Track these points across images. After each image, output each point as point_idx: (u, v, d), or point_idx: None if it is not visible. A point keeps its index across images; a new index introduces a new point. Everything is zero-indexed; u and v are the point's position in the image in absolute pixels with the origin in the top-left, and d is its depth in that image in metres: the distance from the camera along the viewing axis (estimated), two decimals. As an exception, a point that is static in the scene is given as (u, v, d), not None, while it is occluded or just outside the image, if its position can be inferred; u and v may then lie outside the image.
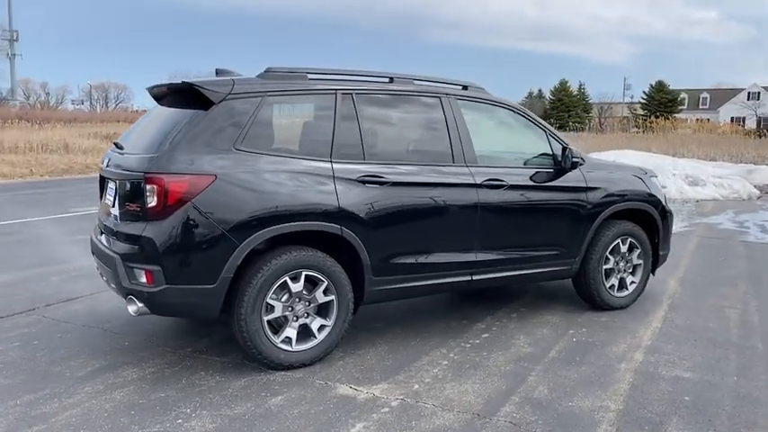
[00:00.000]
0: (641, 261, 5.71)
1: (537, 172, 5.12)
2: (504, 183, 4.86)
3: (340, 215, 4.19)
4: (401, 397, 3.81)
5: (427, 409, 3.65)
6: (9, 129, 26.30)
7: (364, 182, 4.31)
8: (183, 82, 4.16)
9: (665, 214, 5.81)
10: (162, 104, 4.47)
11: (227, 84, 4.12)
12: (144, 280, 3.88)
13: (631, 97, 74.83)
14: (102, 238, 4.35)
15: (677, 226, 10.33)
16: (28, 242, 8.43)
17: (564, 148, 5.12)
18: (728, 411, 3.69)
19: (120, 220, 4.10)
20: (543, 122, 5.34)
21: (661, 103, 62.62)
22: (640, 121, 46.70)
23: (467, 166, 4.75)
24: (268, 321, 4.08)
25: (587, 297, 5.54)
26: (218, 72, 4.61)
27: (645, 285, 5.79)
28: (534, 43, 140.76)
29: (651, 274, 5.92)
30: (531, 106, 64.82)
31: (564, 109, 62.09)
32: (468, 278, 4.81)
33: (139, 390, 3.87)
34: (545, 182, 5.12)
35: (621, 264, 5.62)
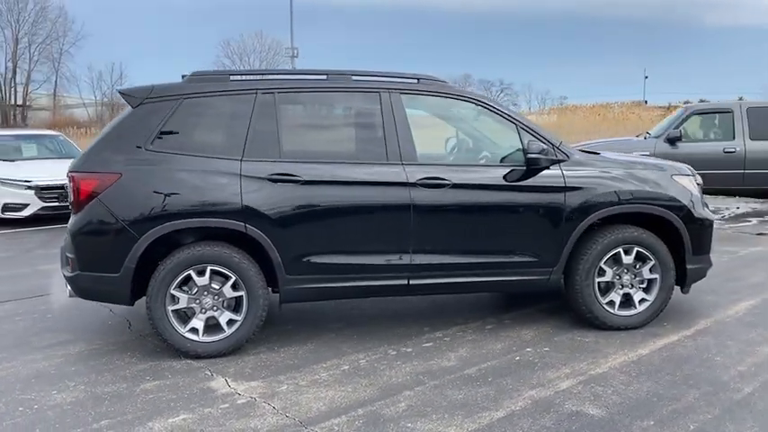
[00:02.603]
0: (656, 275, 4.80)
1: (499, 170, 4.63)
2: (446, 182, 4.49)
3: (244, 213, 4.28)
4: (256, 396, 3.80)
5: (261, 411, 3.60)
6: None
7: (276, 180, 4.34)
8: (117, 89, 4.60)
9: (694, 220, 4.81)
10: None
11: (148, 89, 4.46)
12: (69, 266, 4.40)
13: None
14: None
15: None
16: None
17: (529, 143, 4.54)
18: (580, 459, 3.04)
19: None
20: (516, 115, 4.79)
21: None
22: None
23: (401, 164, 4.48)
24: (177, 311, 4.33)
25: (580, 314, 4.84)
26: (183, 78, 4.98)
27: (664, 304, 4.86)
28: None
29: (681, 291, 4.97)
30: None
31: None
32: (405, 282, 4.54)
33: (63, 362, 4.39)
34: (508, 181, 4.60)
35: (626, 277, 4.80)
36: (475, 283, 4.68)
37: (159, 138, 4.33)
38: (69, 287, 4.47)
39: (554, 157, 4.63)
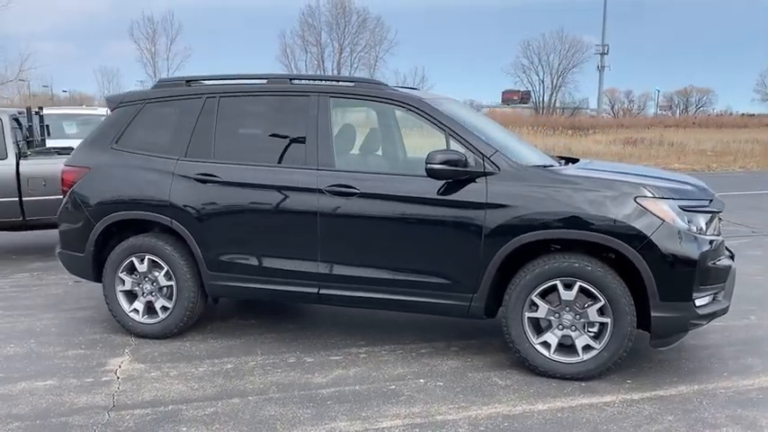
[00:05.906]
0: (607, 319, 3.90)
1: (419, 181, 4.20)
2: (355, 190, 4.25)
3: (170, 208, 4.62)
4: (123, 377, 4.12)
5: (104, 390, 3.92)
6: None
7: (203, 181, 4.59)
8: (105, 96, 5.29)
9: (659, 255, 3.78)
10: None
11: (123, 95, 5.06)
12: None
13: None
14: None
15: None
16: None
17: (431, 153, 4.05)
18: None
19: None
20: (447, 121, 4.24)
21: None
22: None
23: (316, 170, 4.37)
24: (125, 293, 4.85)
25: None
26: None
27: (618, 354, 3.92)
28: None
29: (650, 344, 3.96)
30: None
31: None
32: (315, 290, 4.42)
33: (57, 324, 5.19)
34: (426, 193, 4.16)
35: (567, 316, 3.98)
36: (388, 300, 4.33)
37: (122, 137, 4.89)
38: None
39: (480, 170, 4.06)
